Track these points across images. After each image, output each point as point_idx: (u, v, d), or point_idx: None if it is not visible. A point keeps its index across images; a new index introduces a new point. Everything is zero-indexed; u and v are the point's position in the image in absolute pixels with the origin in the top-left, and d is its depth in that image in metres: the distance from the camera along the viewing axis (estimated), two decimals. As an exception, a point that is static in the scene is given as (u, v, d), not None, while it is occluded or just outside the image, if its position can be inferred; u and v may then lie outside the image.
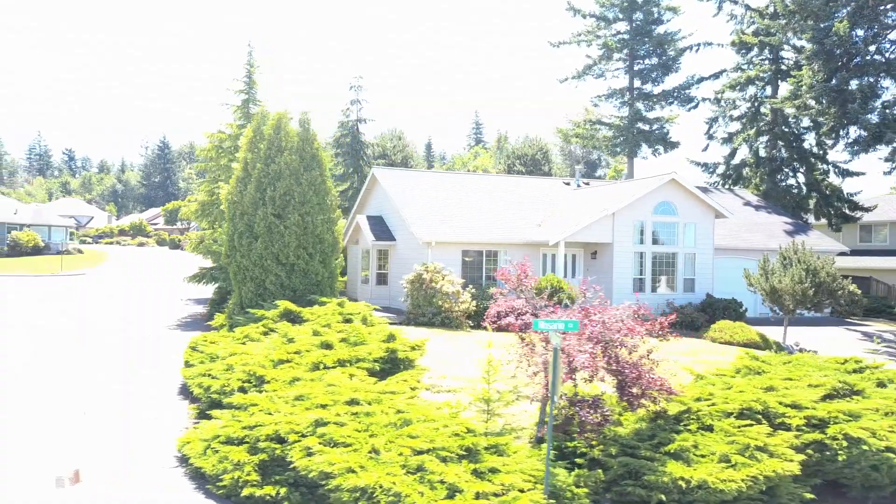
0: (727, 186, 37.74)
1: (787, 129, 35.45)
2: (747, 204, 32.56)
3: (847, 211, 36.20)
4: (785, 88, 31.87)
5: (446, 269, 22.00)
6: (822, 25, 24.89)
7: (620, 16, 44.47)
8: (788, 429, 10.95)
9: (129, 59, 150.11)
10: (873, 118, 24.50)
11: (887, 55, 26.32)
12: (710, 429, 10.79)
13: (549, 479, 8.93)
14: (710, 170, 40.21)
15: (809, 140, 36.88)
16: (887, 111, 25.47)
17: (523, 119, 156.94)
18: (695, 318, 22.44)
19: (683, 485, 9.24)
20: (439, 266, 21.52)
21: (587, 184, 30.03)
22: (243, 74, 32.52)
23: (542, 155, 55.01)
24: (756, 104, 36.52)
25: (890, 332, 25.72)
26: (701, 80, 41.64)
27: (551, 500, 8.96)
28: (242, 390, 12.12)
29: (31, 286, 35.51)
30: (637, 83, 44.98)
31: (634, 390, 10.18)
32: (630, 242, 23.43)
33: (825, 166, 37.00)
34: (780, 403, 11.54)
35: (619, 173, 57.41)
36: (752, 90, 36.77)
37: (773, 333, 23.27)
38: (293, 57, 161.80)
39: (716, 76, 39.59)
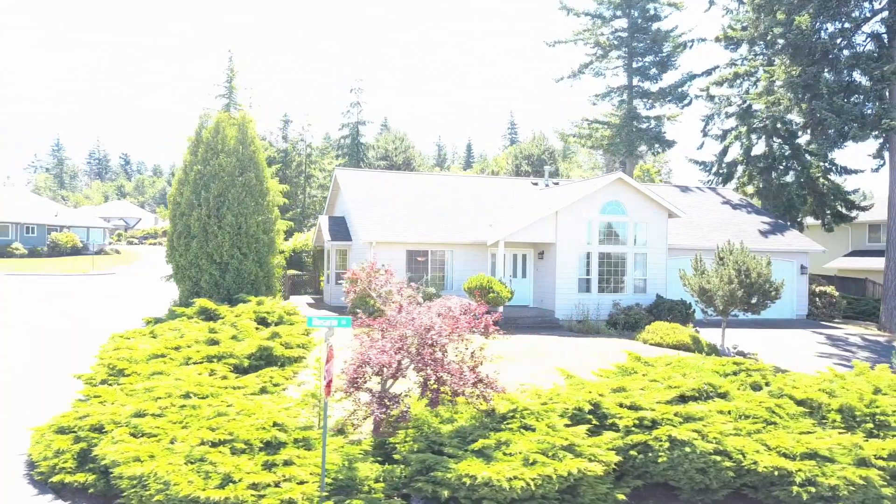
0: (711, 185, 36.88)
1: (780, 126, 34.38)
2: (726, 203, 31.77)
3: (843, 210, 34.94)
4: (760, 84, 30.96)
5: (385, 267, 22.20)
6: (790, 18, 24.13)
7: (618, 13, 43.95)
8: (618, 430, 10.86)
9: (129, 59, 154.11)
10: (833, 115, 23.60)
11: (858, 50, 25.34)
12: (532, 428, 10.76)
13: (324, 472, 9.10)
14: (707, 168, 39.31)
15: (805, 137, 35.69)
16: (856, 107, 24.52)
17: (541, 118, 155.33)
18: (638, 320, 22.11)
19: (468, 481, 9.28)
20: (376, 266, 21.72)
21: (556, 183, 29.79)
22: (224, 79, 33.46)
23: (549, 154, 54.65)
24: (746, 101, 35.54)
25: (858, 336, 24.78)
26: (693, 76, 40.84)
27: (340, 496, 9.14)
28: (105, 382, 12.63)
29: (45, 284, 37.13)
30: (635, 81, 44.37)
31: (440, 387, 10.25)
32: (575, 242, 23.20)
33: (823, 164, 35.73)
34: (620, 405, 11.42)
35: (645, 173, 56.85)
36: (744, 86, 35.81)
37: (718, 336, 22.79)
38: (295, 58, 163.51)
39: (708, 73, 38.69)
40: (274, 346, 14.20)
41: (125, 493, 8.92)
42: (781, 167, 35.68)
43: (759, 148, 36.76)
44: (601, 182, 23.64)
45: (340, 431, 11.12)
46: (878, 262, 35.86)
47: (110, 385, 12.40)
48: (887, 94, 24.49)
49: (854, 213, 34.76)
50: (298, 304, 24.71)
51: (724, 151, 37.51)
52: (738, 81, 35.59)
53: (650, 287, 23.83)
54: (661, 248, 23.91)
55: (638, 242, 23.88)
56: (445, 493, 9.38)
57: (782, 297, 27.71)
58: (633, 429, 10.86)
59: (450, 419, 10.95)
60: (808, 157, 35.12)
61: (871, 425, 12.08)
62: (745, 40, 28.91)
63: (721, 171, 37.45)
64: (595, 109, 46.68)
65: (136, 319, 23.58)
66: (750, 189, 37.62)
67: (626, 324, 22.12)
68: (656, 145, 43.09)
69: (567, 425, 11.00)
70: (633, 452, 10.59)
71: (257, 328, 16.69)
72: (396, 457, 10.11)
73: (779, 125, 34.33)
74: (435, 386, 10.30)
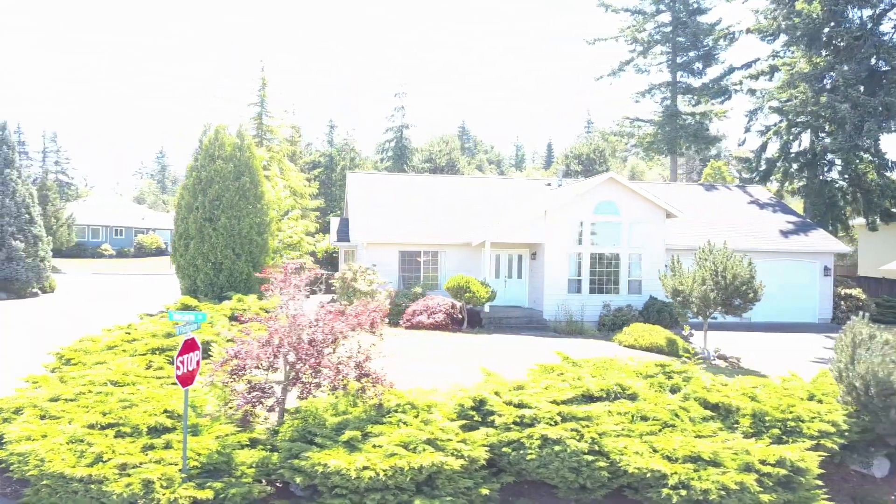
0: (741, 184, 35.34)
1: (821, 120, 32.55)
2: (753, 202, 30.44)
3: (893, 208, 32.68)
4: (780, 77, 29.46)
5: (376, 268, 22.94)
6: (798, 8, 23.06)
7: (661, 7, 42.84)
8: (500, 427, 11.02)
9: (129, 59, 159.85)
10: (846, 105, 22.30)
11: (882, 38, 23.81)
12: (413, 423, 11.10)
13: (185, 456, 9.82)
14: (749, 166, 37.64)
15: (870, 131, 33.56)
16: (874, 99, 23.06)
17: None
18: (627, 321, 21.72)
19: (321, 469, 9.78)
20: (364, 266, 22.49)
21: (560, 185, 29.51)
22: (257, 88, 35.12)
23: (598, 154, 53.74)
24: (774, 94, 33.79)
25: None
26: (733, 70, 39.24)
27: (205, 478, 9.86)
28: (55, 371, 13.93)
29: (115, 283, 40.22)
30: (679, 76, 43.10)
31: (309, 380, 10.76)
32: (566, 243, 23.03)
33: (875, 158, 33.50)
34: (508, 403, 11.58)
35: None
36: (780, 79, 34.12)
37: (713, 338, 22.07)
38: (295, 58, 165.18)
39: (748, 66, 37.05)
40: (218, 341, 15.10)
41: (12, 468, 9.97)
42: (824, 162, 33.72)
43: (805, 143, 34.90)
44: (593, 182, 23.38)
45: (245, 420, 11.81)
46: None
47: (55, 373, 13.66)
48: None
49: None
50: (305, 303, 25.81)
51: (764, 147, 35.85)
52: (776, 75, 33.96)
53: (645, 288, 23.33)
54: (657, 249, 23.36)
55: (633, 243, 23.43)
56: (298, 479, 9.91)
57: (806, 300, 26.65)
58: (511, 426, 11.01)
59: (344, 412, 11.49)
60: (854, 151, 33.02)
61: (778, 431, 11.70)
62: (772, 32, 27.61)
63: (760, 169, 35.81)
64: (635, 107, 45.62)
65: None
66: (792, 187, 35.77)
67: (613, 325, 21.83)
68: (700, 143, 41.68)
69: (452, 420, 11.31)
70: (506, 449, 10.77)
71: (232, 325, 17.74)
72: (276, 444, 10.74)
73: (821, 119, 32.51)
74: (310, 379, 10.82)
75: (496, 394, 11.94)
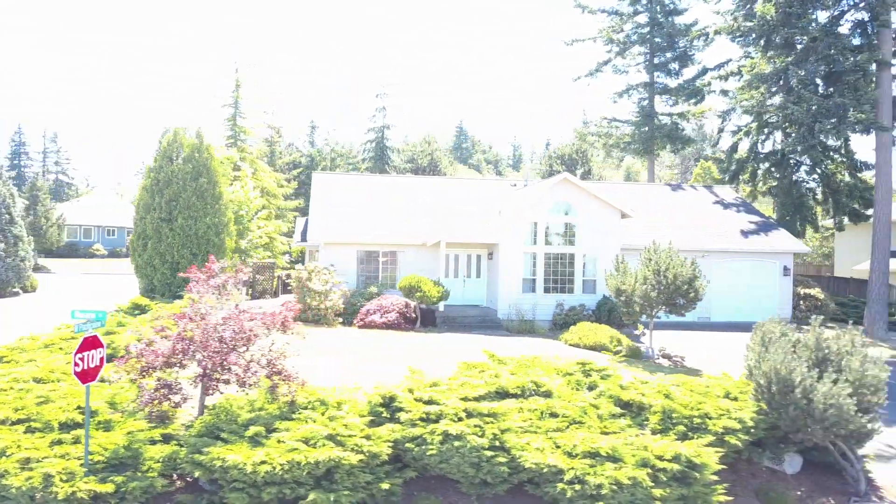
0: (698, 184, 35.51)
1: (780, 121, 32.72)
2: (718, 202, 30.64)
3: (860, 208, 32.86)
4: (742, 79, 29.63)
5: (333, 267, 23.17)
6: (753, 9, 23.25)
7: (639, 8, 43.00)
8: (406, 423, 11.26)
9: (129, 59, 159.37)
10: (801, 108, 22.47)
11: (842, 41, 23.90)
12: (328, 418, 11.34)
13: (87, 450, 10.07)
14: (722, 166, 37.80)
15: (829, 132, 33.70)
16: (827, 100, 23.22)
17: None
18: (578, 320, 21.94)
19: (219, 464, 10.02)
20: (319, 266, 22.73)
21: (523, 185, 29.70)
22: (231, 90, 35.42)
23: (580, 154, 53.97)
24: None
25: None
26: (706, 70, 39.41)
27: (108, 472, 10.10)
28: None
29: (100, 282, 40.54)
30: (656, 77, 43.26)
31: (216, 377, 11.00)
32: (521, 243, 23.25)
33: (845, 159, 33.64)
34: (417, 400, 11.82)
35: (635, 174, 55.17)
36: (743, 80, 34.26)
37: (671, 337, 22.30)
38: (295, 58, 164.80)
39: (720, 67, 37.22)
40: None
41: (-81, 461, 10.21)
42: (793, 163, 33.88)
43: (775, 144, 35.04)
44: (548, 183, 23.61)
45: (164, 416, 12.03)
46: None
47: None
48: (863, 84, 23.09)
49: (871, 211, 32.55)
50: (266, 302, 26.06)
51: (735, 148, 36.00)
52: (742, 76, 34.08)
53: (600, 288, 23.53)
54: (612, 249, 23.54)
55: (588, 243, 23.64)
56: (198, 473, 10.16)
57: (766, 300, 26.82)
58: (417, 422, 11.24)
59: (260, 408, 11.73)
60: (822, 152, 33.17)
61: (684, 428, 11.91)
62: (732, 33, 27.79)
63: (731, 169, 35.97)
64: (612, 108, 45.87)
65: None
66: (765, 187, 35.91)
67: (565, 324, 22.04)
68: (675, 143, 41.87)
69: (363, 417, 11.56)
70: (409, 445, 11.01)
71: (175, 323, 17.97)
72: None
73: (779, 120, 32.67)
74: (218, 376, 11.05)
75: (410, 391, 12.17)
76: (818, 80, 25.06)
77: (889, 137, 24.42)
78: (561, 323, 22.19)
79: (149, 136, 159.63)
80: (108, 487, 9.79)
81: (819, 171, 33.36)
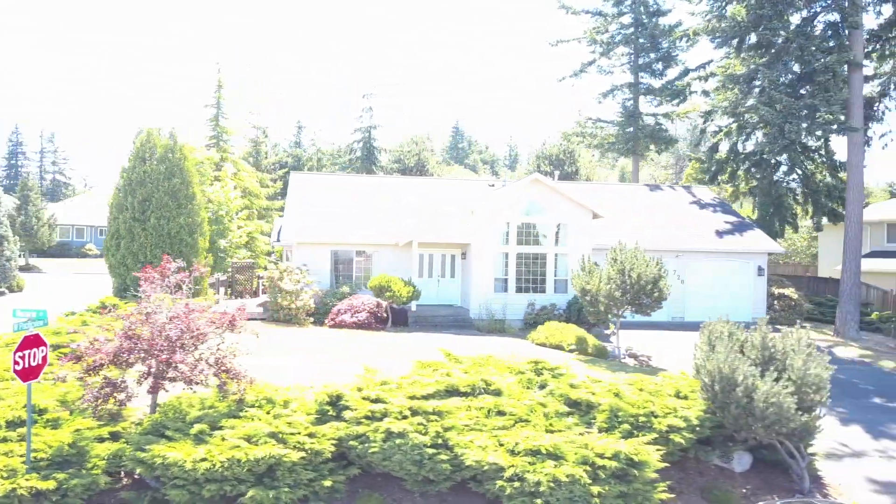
0: (687, 184, 35.67)
1: (763, 122, 32.85)
2: (695, 202, 30.79)
3: (839, 209, 32.97)
4: (716, 80, 29.76)
5: (306, 267, 23.29)
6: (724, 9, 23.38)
7: (624, 9, 43.15)
8: (351, 421, 11.37)
9: (129, 59, 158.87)
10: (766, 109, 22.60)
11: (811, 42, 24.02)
12: (274, 415, 11.45)
13: (29, 448, 10.17)
14: (704, 167, 37.94)
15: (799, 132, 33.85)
16: (798, 101, 23.36)
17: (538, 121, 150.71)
18: (549, 319, 22.07)
19: (160, 461, 10.13)
20: (291, 266, 22.84)
21: (498, 185, 29.82)
22: (213, 90, 35.51)
23: (567, 155, 54.10)
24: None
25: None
26: (688, 71, 39.57)
27: (52, 469, 10.20)
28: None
29: (88, 282, 40.56)
30: (641, 77, 43.40)
31: (161, 374, 11.10)
32: (492, 243, 23.37)
33: (825, 159, 33.79)
34: (364, 398, 11.93)
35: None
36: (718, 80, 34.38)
37: (643, 337, 22.41)
38: (295, 58, 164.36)
39: (703, 67, 37.35)
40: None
41: None
42: (773, 163, 34.00)
43: (756, 145, 35.15)
44: (519, 184, 23.75)
45: (117, 414, 12.13)
46: (880, 264, 33.76)
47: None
48: (833, 85, 23.21)
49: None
50: (246, 301, 26.18)
51: (715, 148, 36.15)
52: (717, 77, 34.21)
53: (571, 287, 23.58)
54: (584, 249, 23.64)
55: (560, 243, 23.77)
56: (140, 470, 10.28)
57: (740, 300, 26.97)
58: (362, 420, 11.37)
59: (211, 406, 11.84)
60: (801, 152, 33.32)
61: (629, 426, 12.03)
62: (708, 34, 27.88)
63: (711, 169, 36.12)
64: (599, 108, 46.08)
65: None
66: (746, 187, 36.04)
67: (535, 323, 22.15)
68: (659, 144, 42.04)
69: (310, 414, 11.67)
70: (353, 443, 11.13)
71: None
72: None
73: (752, 121, 32.77)
74: (164, 374, 11.16)
75: (359, 389, 12.29)
76: (791, 82, 25.19)
77: (860, 138, 24.58)
78: (532, 322, 22.32)
79: None
80: (50, 484, 9.87)
81: (798, 171, 33.52)
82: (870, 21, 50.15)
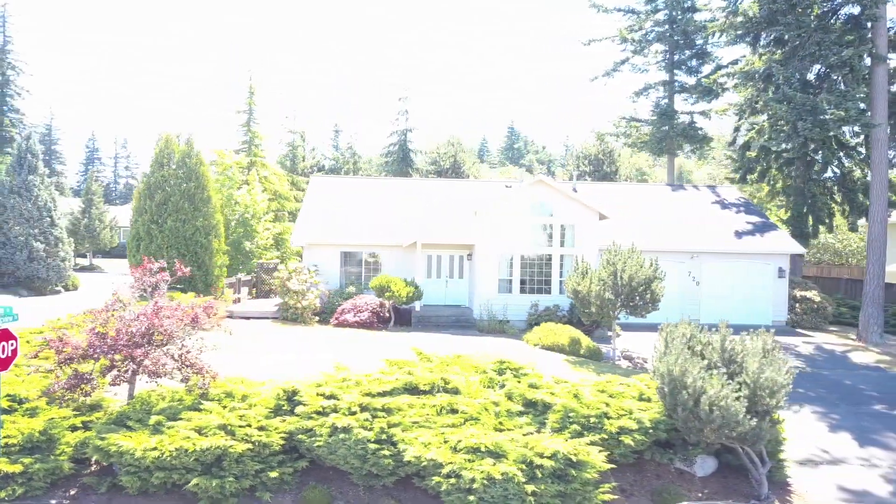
0: (712, 184, 34.68)
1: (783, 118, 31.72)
2: (718, 202, 30.03)
3: (878, 209, 31.52)
4: (737, 76, 28.83)
5: (316, 268, 23.99)
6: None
7: (660, 5, 42.40)
8: (302, 415, 11.83)
9: (129, 59, 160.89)
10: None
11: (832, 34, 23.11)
12: (231, 408, 12.02)
13: (0, 435, 11.02)
14: (736, 165, 36.85)
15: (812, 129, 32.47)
16: (811, 98, 22.54)
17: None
18: (551, 320, 22.04)
19: (114, 449, 10.82)
20: (300, 266, 23.55)
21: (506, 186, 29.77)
22: (245, 97, 36.76)
23: (606, 155, 53.36)
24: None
25: (816, 346, 22.84)
26: (719, 68, 38.52)
27: (22, 455, 11.03)
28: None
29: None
30: (677, 75, 42.54)
31: (125, 368, 11.81)
32: (497, 243, 23.47)
33: (861, 156, 32.31)
34: (319, 394, 12.37)
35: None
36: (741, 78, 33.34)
37: (639, 339, 22.15)
38: (294, 58, 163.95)
39: (735, 63, 36.31)
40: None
41: None
42: (807, 160, 32.80)
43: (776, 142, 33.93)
44: (524, 185, 23.76)
45: (95, 404, 12.95)
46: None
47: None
48: (851, 80, 22.29)
49: (891, 211, 31.25)
50: (258, 301, 27.10)
51: (746, 146, 35.09)
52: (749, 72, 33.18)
53: (576, 289, 23.52)
54: (589, 250, 23.50)
55: (565, 244, 23.68)
56: (96, 457, 10.98)
57: (760, 302, 26.23)
58: (312, 415, 11.81)
59: (180, 399, 12.52)
60: (836, 149, 32.03)
61: (578, 427, 12.06)
62: (730, 30, 27.17)
63: (742, 168, 35.09)
64: (634, 107, 45.28)
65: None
66: (779, 186, 34.85)
67: (537, 324, 22.13)
68: (693, 142, 41.09)
69: (268, 408, 12.20)
70: (301, 437, 11.57)
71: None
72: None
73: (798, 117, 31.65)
74: (126, 368, 11.87)
75: (318, 385, 12.73)
76: (809, 77, 24.37)
77: (885, 134, 23.53)
78: (535, 323, 22.35)
79: (149, 136, 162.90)
80: (17, 468, 10.68)
81: (835, 168, 32.23)
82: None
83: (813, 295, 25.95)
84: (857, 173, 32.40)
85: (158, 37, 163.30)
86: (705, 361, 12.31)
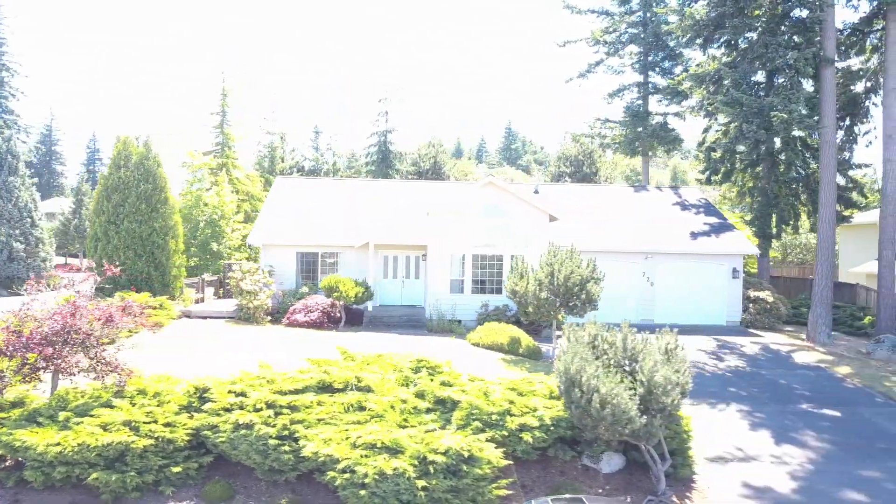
0: (674, 185, 34.89)
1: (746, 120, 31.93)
2: (678, 203, 30.29)
3: (839, 209, 31.75)
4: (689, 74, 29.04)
5: (272, 268, 24.32)
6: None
7: (634, 7, 42.66)
8: (210, 412, 12.15)
9: (129, 59, 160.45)
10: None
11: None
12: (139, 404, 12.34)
13: None
14: (705, 166, 37.08)
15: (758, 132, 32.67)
16: (758, 98, 22.83)
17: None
18: (500, 320, 22.33)
19: (19, 444, 11.14)
20: (254, 267, 23.87)
21: None
22: (218, 99, 37.13)
23: (586, 156, 53.60)
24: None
25: (762, 346, 23.09)
26: (686, 70, 38.66)
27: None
28: None
29: None
30: (650, 76, 42.78)
31: (36, 365, 12.13)
32: (449, 244, 23.76)
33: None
34: (230, 392, 12.68)
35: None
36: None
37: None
38: (293, 58, 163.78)
39: (699, 66, 36.44)
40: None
41: None
42: (771, 161, 33.03)
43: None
44: (474, 186, 24.08)
45: (18, 402, 13.23)
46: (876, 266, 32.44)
47: None
48: (797, 83, 22.52)
49: (850, 212, 31.53)
50: (223, 301, 27.43)
51: (712, 147, 35.27)
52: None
53: (526, 289, 23.79)
54: (539, 251, 23.70)
55: (515, 245, 23.96)
56: (1, 451, 11.31)
57: (714, 303, 26.47)
58: (219, 412, 12.13)
59: (98, 396, 12.84)
60: (801, 150, 32.26)
61: (480, 424, 12.35)
62: (680, 33, 27.37)
63: (709, 168, 35.33)
64: (609, 108, 45.57)
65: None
66: (747, 186, 35.05)
67: (486, 323, 22.44)
68: (665, 144, 41.33)
69: (181, 405, 12.52)
70: (206, 433, 11.90)
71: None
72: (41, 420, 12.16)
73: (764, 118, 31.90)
74: (39, 364, 12.20)
75: (233, 383, 13.05)
76: (760, 80, 24.64)
77: (833, 136, 23.77)
78: (484, 322, 22.61)
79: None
80: (-78, 462, 11.02)
81: (798, 169, 32.41)
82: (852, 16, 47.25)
83: (766, 295, 26.19)
84: (819, 175, 32.57)
85: (156, 37, 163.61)
86: (608, 360, 12.62)
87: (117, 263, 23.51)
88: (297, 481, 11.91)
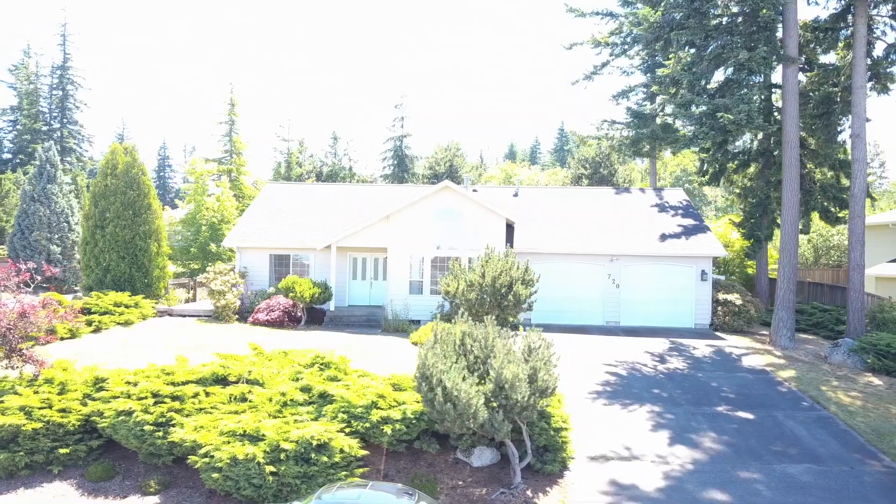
0: (657, 186, 34.42)
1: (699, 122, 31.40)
2: (656, 205, 30.08)
3: (833, 209, 30.88)
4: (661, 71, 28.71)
5: (246, 269, 25.70)
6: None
7: (638, 8, 42.29)
8: (102, 399, 13.39)
9: (128, 59, 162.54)
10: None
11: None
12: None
13: None
14: (700, 168, 36.59)
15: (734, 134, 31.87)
16: (700, 97, 22.67)
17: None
18: (450, 319, 22.98)
19: (-76, 425, 12.60)
20: (226, 268, 25.28)
21: (475, 190, 30.64)
22: (226, 109, 39.00)
23: (603, 158, 53.23)
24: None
25: (717, 349, 22.89)
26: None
27: None
28: None
29: None
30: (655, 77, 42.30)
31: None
32: (408, 246, 24.54)
33: (816, 157, 31.63)
34: (126, 382, 13.89)
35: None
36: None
37: (563, 340, 22.71)
38: (294, 59, 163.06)
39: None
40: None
41: None
42: (761, 161, 32.38)
43: (745, 144, 33.66)
44: (431, 190, 24.74)
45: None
46: (870, 269, 31.36)
47: None
48: (751, 84, 22.23)
49: (845, 213, 30.54)
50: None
51: (706, 149, 34.77)
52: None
53: (484, 291, 24.33)
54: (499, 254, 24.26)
55: (473, 247, 24.53)
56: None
57: (683, 305, 26.32)
58: (109, 399, 13.35)
59: (12, 385, 14.24)
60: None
61: (346, 416, 13.15)
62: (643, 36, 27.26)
63: (700, 170, 34.87)
64: (616, 109, 45.20)
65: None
66: (743, 184, 34.38)
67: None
68: (670, 145, 40.75)
69: (84, 393, 13.83)
70: (95, 419, 13.13)
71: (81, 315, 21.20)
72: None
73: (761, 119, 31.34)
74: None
75: (135, 375, 14.27)
76: (716, 81, 24.42)
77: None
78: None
79: (149, 136, 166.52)
80: None
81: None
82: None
83: (735, 298, 25.84)
84: (818, 175, 31.77)
85: (158, 37, 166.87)
86: (474, 358, 13.21)
87: (103, 265, 25.36)
88: (174, 465, 12.99)
